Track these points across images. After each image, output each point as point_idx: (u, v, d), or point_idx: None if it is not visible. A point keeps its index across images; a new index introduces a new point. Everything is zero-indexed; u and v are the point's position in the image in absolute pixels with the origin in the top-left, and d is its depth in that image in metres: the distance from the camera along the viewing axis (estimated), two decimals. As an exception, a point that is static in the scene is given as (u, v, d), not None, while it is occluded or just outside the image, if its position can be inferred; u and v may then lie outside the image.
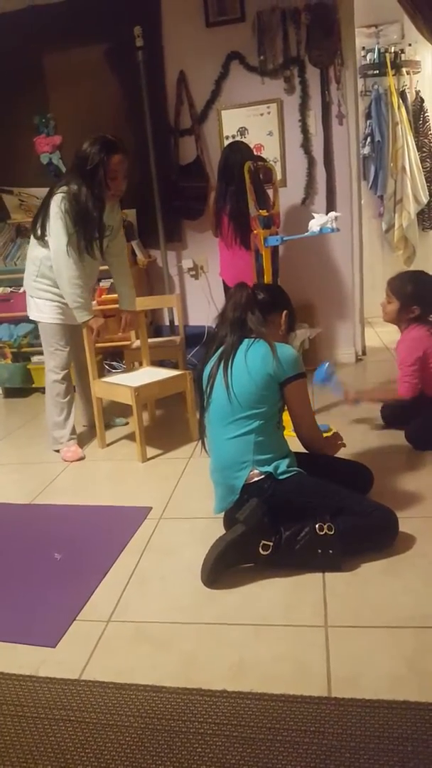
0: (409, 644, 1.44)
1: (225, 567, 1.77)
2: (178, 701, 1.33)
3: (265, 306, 1.99)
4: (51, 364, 2.89)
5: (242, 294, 1.98)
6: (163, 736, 1.24)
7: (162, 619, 1.64)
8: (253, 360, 1.87)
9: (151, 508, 2.27)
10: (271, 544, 1.75)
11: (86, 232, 2.70)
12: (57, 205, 2.62)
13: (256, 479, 1.86)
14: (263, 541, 1.75)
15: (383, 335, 4.92)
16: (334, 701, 1.29)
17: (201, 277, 4.26)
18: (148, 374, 2.97)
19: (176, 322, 4.00)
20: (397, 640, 1.46)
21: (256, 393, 1.86)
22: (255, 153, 3.75)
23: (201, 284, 4.25)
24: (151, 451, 2.82)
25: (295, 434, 2.04)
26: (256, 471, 1.87)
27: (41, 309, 2.84)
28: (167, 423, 3.27)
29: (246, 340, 1.92)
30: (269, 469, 1.87)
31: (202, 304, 4.23)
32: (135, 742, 1.24)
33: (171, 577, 1.84)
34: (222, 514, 1.99)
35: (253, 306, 1.97)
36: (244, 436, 1.87)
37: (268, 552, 1.75)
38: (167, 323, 4.26)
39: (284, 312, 2.04)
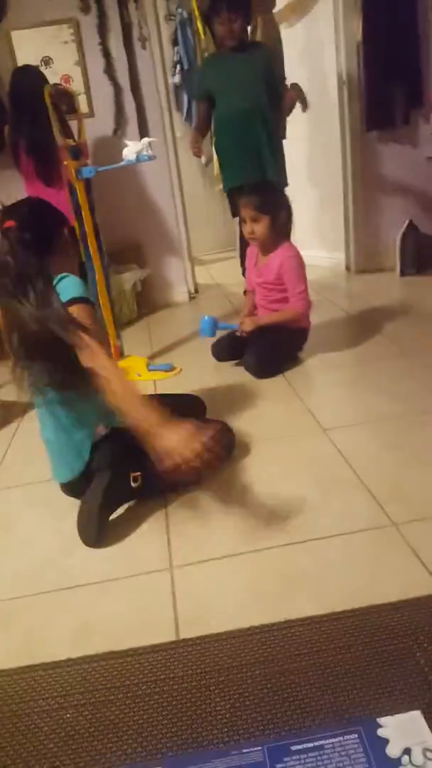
0: (250, 570, 1.46)
1: (107, 519, 1.69)
2: (19, 682, 1.24)
3: (41, 242, 1.59)
4: None
5: (16, 239, 1.54)
6: (3, 723, 1.15)
7: (-2, 597, 1.52)
8: None
9: (-20, 480, 2.09)
10: (140, 474, 1.71)
11: None
12: None
13: (103, 433, 1.76)
14: (132, 474, 1.71)
15: (212, 271, 4.95)
16: (182, 643, 1.27)
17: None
18: None
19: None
20: (239, 567, 1.48)
21: None
22: (64, 84, 3.46)
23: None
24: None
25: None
26: (100, 427, 1.76)
27: None
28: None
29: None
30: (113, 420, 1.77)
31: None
32: (-27, 736, 1.13)
33: (6, 551, 1.71)
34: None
35: (35, 251, 1.56)
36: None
37: (138, 483, 1.72)
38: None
39: (64, 228, 1.72)
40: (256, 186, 2.71)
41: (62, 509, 1.84)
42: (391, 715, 1.02)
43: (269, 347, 2.63)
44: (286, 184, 3.25)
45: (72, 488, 1.83)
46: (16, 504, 1.94)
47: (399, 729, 0.99)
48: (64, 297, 1.56)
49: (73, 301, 1.56)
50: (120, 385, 1.49)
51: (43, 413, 1.74)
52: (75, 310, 1.54)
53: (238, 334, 2.73)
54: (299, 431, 2.09)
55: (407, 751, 0.95)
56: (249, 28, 3.31)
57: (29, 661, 1.29)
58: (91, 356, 1.49)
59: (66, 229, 1.73)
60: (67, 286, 1.60)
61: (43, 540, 1.72)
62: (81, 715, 1.14)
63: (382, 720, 1.02)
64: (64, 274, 1.63)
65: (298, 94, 3.16)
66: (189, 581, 1.46)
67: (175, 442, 1.38)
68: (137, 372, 2.80)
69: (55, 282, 1.59)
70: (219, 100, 3.13)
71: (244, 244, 3.02)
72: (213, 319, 2.76)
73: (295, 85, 3.22)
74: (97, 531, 1.65)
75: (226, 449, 1.95)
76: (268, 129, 3.08)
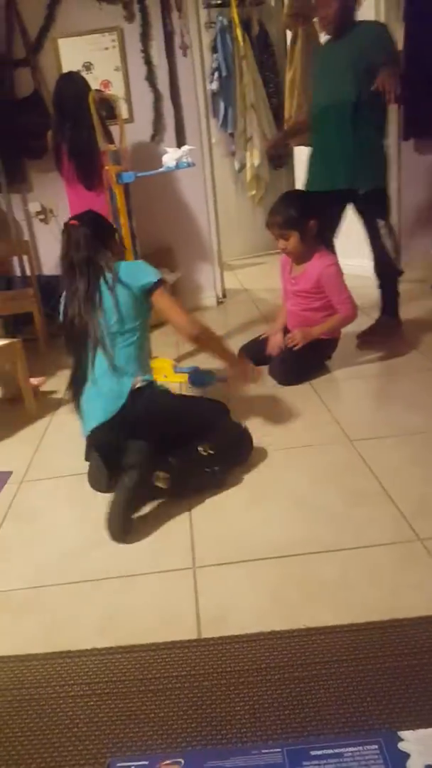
0: (271, 575, 1.48)
1: (132, 515, 1.76)
2: (45, 667, 1.28)
3: (99, 238, 1.99)
4: None
5: (80, 233, 1.96)
6: (31, 705, 1.19)
7: (25, 585, 1.56)
8: (121, 293, 1.94)
9: (11, 473, 2.14)
10: (168, 476, 1.79)
11: None
12: None
13: (139, 385, 1.92)
14: (160, 474, 1.79)
15: (240, 276, 4.98)
16: (203, 642, 1.30)
17: (51, 221, 4.00)
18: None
19: (28, 272, 3.74)
20: (261, 572, 1.50)
21: (130, 314, 1.96)
22: (105, 91, 3.53)
23: (52, 229, 3.99)
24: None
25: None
26: (138, 378, 1.94)
27: None
28: None
29: (103, 281, 1.95)
30: (149, 377, 2.00)
31: (56, 251, 3.97)
32: (1, 716, 1.17)
33: (35, 541, 1.75)
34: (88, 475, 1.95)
35: (95, 242, 1.97)
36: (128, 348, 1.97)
37: (166, 484, 1.80)
38: (19, 274, 3.98)
39: (115, 234, 2.13)
40: (277, 204, 2.68)
41: (91, 502, 1.88)
42: (413, 729, 1.03)
43: (296, 355, 2.65)
44: (380, 187, 2.81)
45: (98, 441, 1.92)
46: (47, 496, 1.99)
47: (421, 744, 0.99)
48: (141, 279, 1.97)
49: (159, 283, 1.98)
50: (213, 341, 2.14)
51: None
52: (160, 293, 1.98)
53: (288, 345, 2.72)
54: (326, 441, 2.10)
55: (429, 769, 0.95)
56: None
57: (53, 648, 1.33)
58: (185, 328, 1.99)
59: (117, 235, 2.09)
60: (141, 268, 2.01)
61: (72, 532, 1.77)
62: (104, 703, 1.17)
63: (403, 734, 1.02)
64: (128, 261, 2.00)
65: (384, 81, 2.43)
66: (211, 582, 1.49)
67: (244, 370, 2.20)
68: (164, 374, 2.83)
69: (119, 267, 1.96)
70: (313, 95, 2.85)
71: None
72: (196, 370, 2.80)
73: (385, 70, 2.47)
74: (122, 526, 1.70)
75: (244, 454, 2.02)
76: (356, 127, 2.67)
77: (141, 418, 1.89)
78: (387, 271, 2.93)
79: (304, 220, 2.57)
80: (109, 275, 1.94)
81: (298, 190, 2.74)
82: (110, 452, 1.88)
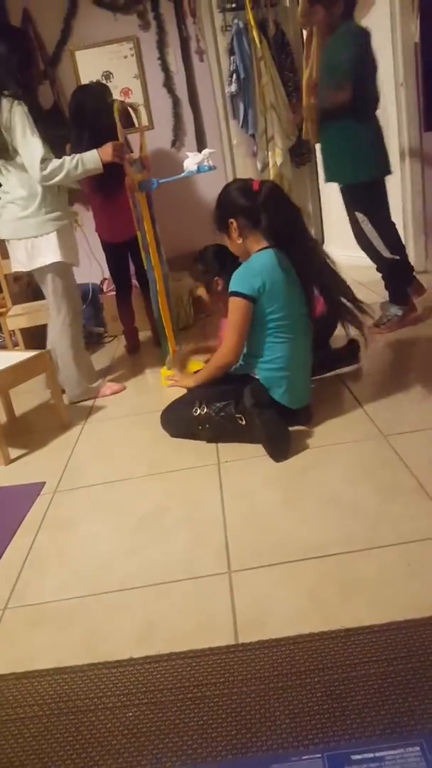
0: (309, 576, 1.45)
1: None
2: (83, 678, 1.27)
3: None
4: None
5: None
6: (69, 719, 1.18)
7: (61, 596, 1.56)
8: None
9: (44, 483, 2.16)
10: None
11: None
12: None
13: None
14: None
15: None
16: (241, 647, 1.28)
17: (77, 231, 4.03)
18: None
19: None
20: (298, 573, 1.47)
21: None
22: (124, 98, 3.56)
23: (78, 239, 4.02)
24: (15, 451, 2.45)
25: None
26: None
27: None
28: (30, 413, 2.91)
29: None
30: None
31: (83, 260, 4.01)
32: (40, 731, 1.17)
33: (69, 551, 1.76)
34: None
35: None
36: None
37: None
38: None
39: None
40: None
41: (123, 510, 1.88)
42: (456, 729, 0.99)
43: None
44: (352, 182, 2.97)
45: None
46: (80, 505, 1.99)
47: (464, 744, 0.96)
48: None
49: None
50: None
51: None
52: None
53: None
54: (359, 437, 2.06)
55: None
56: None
57: (92, 660, 1.32)
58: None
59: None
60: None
61: (105, 541, 1.77)
62: (143, 713, 1.16)
63: (446, 734, 0.99)
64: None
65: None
66: (248, 586, 1.46)
67: None
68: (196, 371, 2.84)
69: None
70: None
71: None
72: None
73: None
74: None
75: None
76: (330, 125, 2.91)
77: None
78: (376, 259, 3.06)
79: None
80: None
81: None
82: None
